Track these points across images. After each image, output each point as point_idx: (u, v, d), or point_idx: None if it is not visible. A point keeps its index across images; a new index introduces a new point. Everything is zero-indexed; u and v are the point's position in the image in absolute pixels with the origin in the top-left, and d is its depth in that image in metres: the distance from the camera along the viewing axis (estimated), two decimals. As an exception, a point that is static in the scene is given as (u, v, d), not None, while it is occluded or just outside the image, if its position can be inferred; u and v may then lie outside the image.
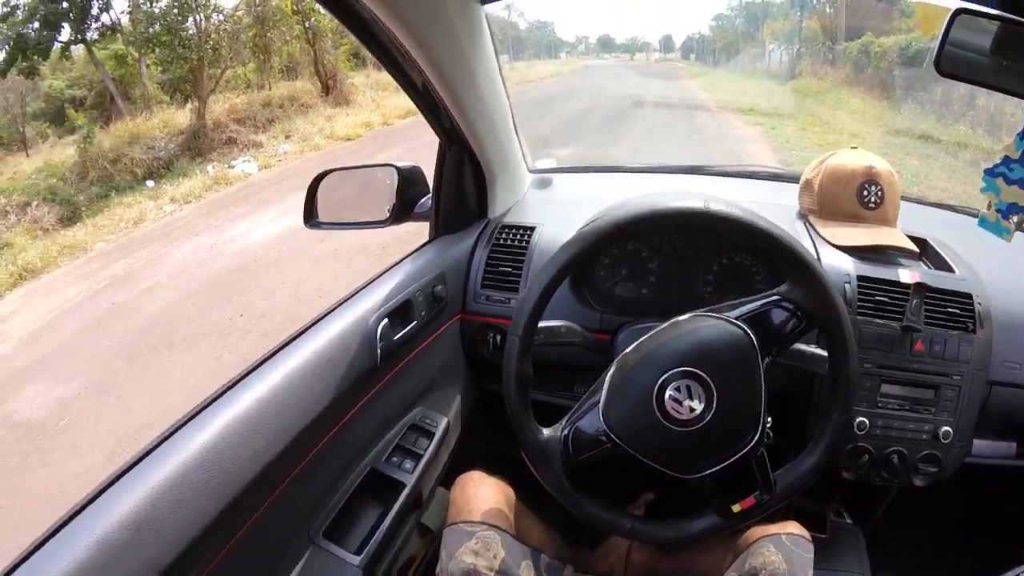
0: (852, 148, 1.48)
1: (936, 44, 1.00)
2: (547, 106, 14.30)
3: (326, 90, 14.42)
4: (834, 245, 1.38)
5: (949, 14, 0.99)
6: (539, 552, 1.14)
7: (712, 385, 0.95)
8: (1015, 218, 1.16)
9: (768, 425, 1.03)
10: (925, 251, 1.48)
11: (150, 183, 9.87)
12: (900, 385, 1.29)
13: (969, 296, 1.31)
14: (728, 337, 0.99)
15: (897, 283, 1.30)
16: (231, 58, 12.83)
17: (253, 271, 5.73)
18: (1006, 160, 1.13)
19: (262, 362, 1.00)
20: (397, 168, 1.38)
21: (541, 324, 1.08)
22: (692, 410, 0.95)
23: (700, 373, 0.95)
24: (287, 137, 11.93)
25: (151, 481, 0.77)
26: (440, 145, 1.37)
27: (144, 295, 5.63)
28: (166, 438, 0.84)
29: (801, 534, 1.17)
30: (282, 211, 7.21)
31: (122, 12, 12.17)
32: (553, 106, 14.36)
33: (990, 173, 1.15)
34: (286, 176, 9.34)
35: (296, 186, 5.62)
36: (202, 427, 0.86)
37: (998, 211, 1.17)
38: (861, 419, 1.27)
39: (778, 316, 1.03)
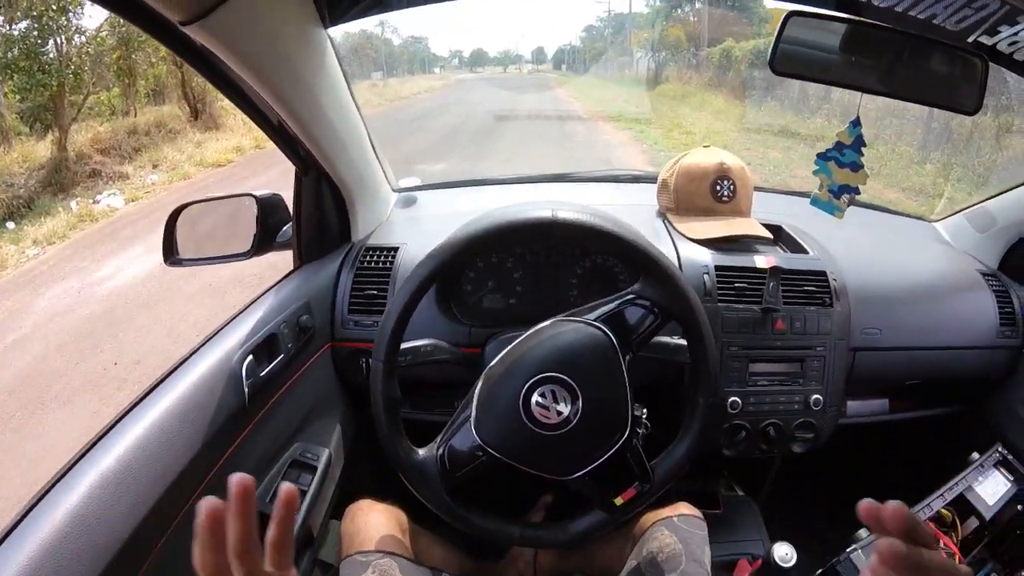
0: (705, 147, 1.56)
1: (771, 46, 1.10)
2: (421, 121, 14.36)
3: (195, 114, 13.84)
4: (691, 239, 1.45)
5: (782, 17, 1.07)
6: (441, 572, 1.14)
7: (576, 387, 0.98)
8: (845, 197, 1.28)
9: (644, 416, 1.09)
10: (780, 236, 1.59)
11: (10, 225, 8.99)
12: (767, 363, 1.37)
13: (823, 273, 1.42)
14: (587, 339, 1.02)
15: (754, 269, 1.39)
16: (94, 83, 11.97)
17: (125, 314, 5.39)
18: (839, 145, 1.25)
19: (124, 415, 0.94)
20: (256, 197, 1.35)
21: (406, 345, 1.10)
22: (559, 413, 0.98)
23: (563, 377, 0.98)
24: (155, 167, 11.30)
25: (17, 557, 0.71)
26: (296, 172, 1.34)
27: (9, 351, 5.17)
28: (32, 507, 0.78)
29: (692, 514, 1.23)
30: (151, 247, 6.80)
31: None
32: (428, 121, 14.44)
33: (823, 157, 1.27)
34: (155, 209, 8.84)
35: (165, 219, 5.35)
36: (67, 490, 0.80)
37: (830, 191, 1.29)
38: (734, 399, 1.35)
39: (634, 313, 1.07)
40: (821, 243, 1.54)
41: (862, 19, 1.10)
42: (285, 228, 1.41)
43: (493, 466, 1.01)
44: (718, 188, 1.48)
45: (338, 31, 1.15)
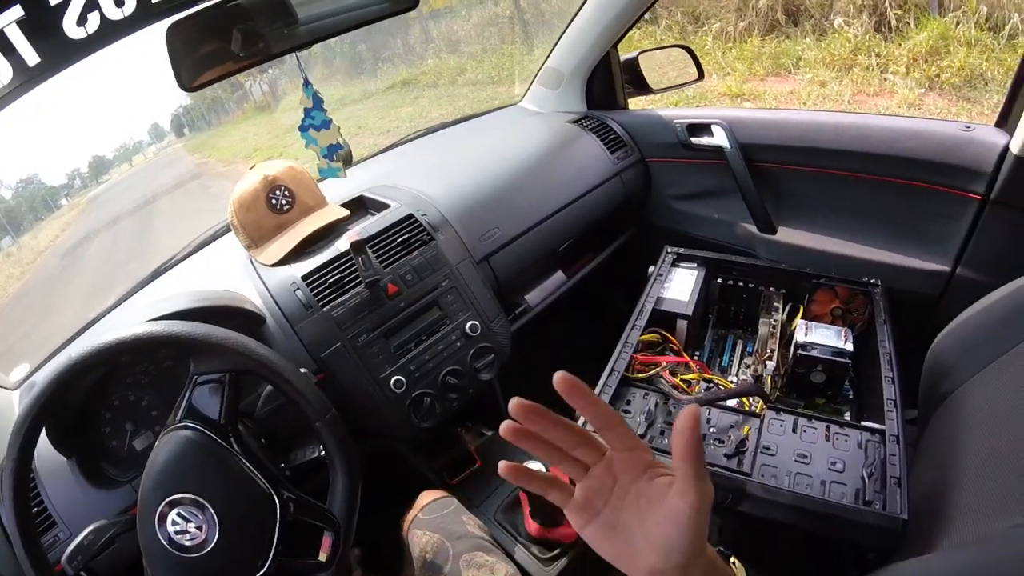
0: (250, 168, 1.47)
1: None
2: (75, 266, 13.00)
3: None
4: (271, 265, 1.37)
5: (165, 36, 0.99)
6: None
7: (198, 496, 0.91)
8: (338, 154, 1.28)
9: (320, 453, 1.06)
10: (366, 205, 1.57)
11: None
12: (403, 328, 1.34)
13: (410, 216, 1.41)
14: (180, 445, 0.95)
15: (338, 256, 1.34)
16: None
17: None
18: (307, 111, 1.24)
19: None
20: None
21: (70, 548, 0.98)
22: (200, 528, 0.91)
23: (180, 496, 0.91)
24: None
25: None
26: None
27: None
28: None
29: (433, 498, 1.26)
30: None
31: None
32: (79, 258, 13.13)
33: (303, 129, 1.26)
34: None
35: None
36: None
37: (324, 157, 1.29)
38: (395, 378, 1.30)
39: (205, 394, 0.99)
40: (410, 187, 1.52)
41: None
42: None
43: None
44: (274, 201, 1.39)
45: None
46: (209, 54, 1.03)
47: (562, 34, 1.80)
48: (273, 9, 1.03)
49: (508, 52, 9.36)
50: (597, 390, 1.14)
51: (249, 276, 1.39)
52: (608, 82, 1.88)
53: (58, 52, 0.87)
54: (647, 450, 0.57)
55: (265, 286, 1.33)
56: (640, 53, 1.87)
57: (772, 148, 1.50)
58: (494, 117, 2.09)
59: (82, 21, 0.85)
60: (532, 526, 1.23)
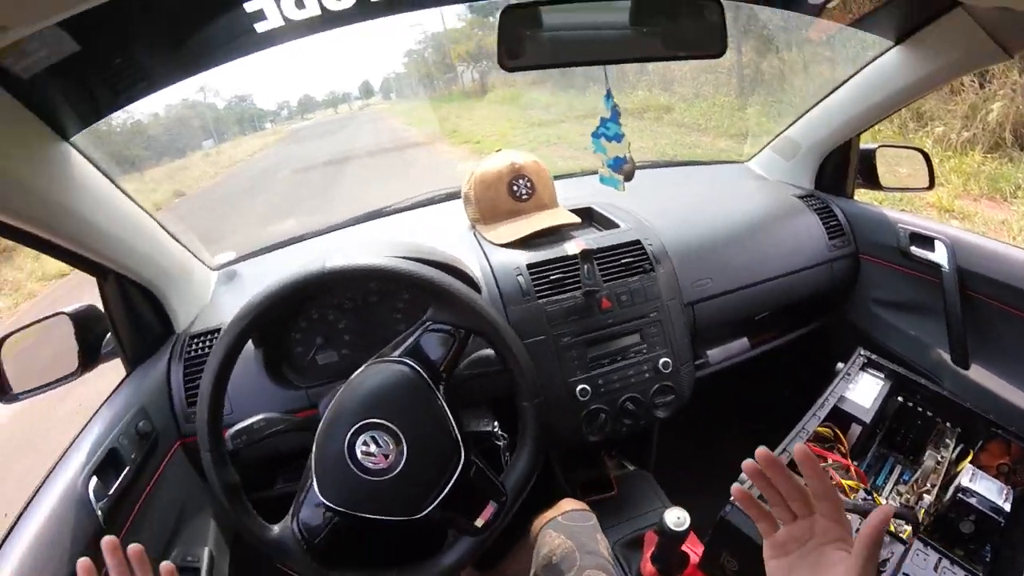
0: (496, 151, 1.60)
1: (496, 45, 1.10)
2: (263, 181, 13.92)
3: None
4: (500, 245, 1.48)
5: (499, 13, 1.08)
6: None
7: (395, 427, 0.99)
8: (623, 168, 1.32)
9: (496, 428, 1.13)
10: (592, 217, 1.65)
11: None
12: (604, 342, 1.40)
13: (638, 242, 1.47)
14: (394, 377, 1.03)
15: (565, 257, 1.42)
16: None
17: (2, 461, 4.94)
18: (603, 121, 1.29)
19: None
20: (68, 314, 1.27)
21: (239, 426, 1.08)
22: (387, 456, 0.98)
23: (379, 421, 0.99)
24: (-3, 293, 10.46)
25: None
26: (97, 281, 1.28)
27: None
28: None
29: (576, 508, 1.25)
30: (6, 382, 6.27)
31: None
32: (268, 180, 14.04)
33: (595, 135, 1.31)
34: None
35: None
36: None
37: (609, 167, 1.33)
38: (582, 386, 1.37)
39: (434, 340, 1.08)
40: (636, 213, 1.59)
41: None
42: (107, 338, 1.34)
43: (349, 523, 1.01)
44: (515, 188, 1.52)
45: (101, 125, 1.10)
46: (535, 43, 1.10)
47: (810, 108, 1.80)
48: (606, 17, 1.11)
49: (719, 103, 9.21)
50: None
51: (470, 247, 1.50)
52: (841, 167, 1.85)
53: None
54: (847, 528, 0.69)
55: (488, 261, 1.44)
56: (879, 147, 1.83)
57: (991, 282, 1.43)
58: (720, 170, 2.12)
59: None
60: (648, 568, 1.26)
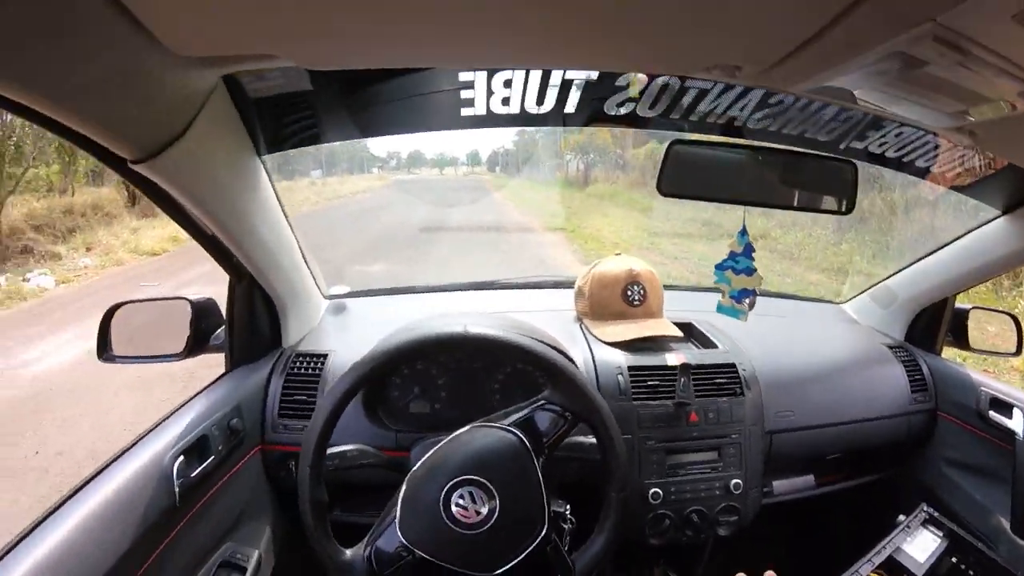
0: (616, 255, 1.68)
1: (658, 171, 1.20)
2: (358, 223, 14.36)
3: (132, 200, 13.60)
4: (606, 343, 1.55)
5: (666, 145, 1.18)
6: None
7: (492, 488, 1.04)
8: (748, 300, 1.38)
9: (568, 512, 1.16)
10: (691, 333, 1.70)
11: None
12: (685, 453, 1.45)
13: (733, 365, 1.52)
14: (501, 443, 1.09)
15: (665, 367, 1.48)
16: (34, 157, 11.80)
17: (49, 401, 5.14)
18: (732, 255, 1.36)
19: (55, 509, 0.95)
20: (190, 301, 1.39)
21: (333, 450, 1.14)
22: (479, 513, 1.03)
23: (480, 479, 1.04)
24: (88, 249, 11.05)
25: None
26: (230, 280, 1.39)
27: (-77, 428, 4.88)
28: None
29: None
30: (80, 333, 6.61)
31: None
32: (365, 222, 14.47)
33: (720, 267, 1.38)
34: (86, 294, 8.59)
35: (96, 305, 5.13)
36: None
37: (732, 297, 1.39)
38: (655, 490, 1.41)
39: (545, 418, 1.14)
40: (731, 335, 1.64)
41: (741, 140, 1.24)
42: (218, 331, 1.44)
43: (418, 565, 1.05)
44: (629, 293, 1.60)
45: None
46: (691, 175, 1.21)
47: (913, 263, 1.82)
48: (758, 167, 1.20)
49: (815, 235, 9.17)
50: None
51: (576, 337, 1.58)
52: (934, 323, 1.87)
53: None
54: None
55: (592, 355, 1.51)
56: (973, 308, 1.86)
57: None
58: (815, 307, 2.15)
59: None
60: None
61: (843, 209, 1.25)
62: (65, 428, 4.68)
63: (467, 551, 1.04)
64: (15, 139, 11.04)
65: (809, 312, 2.13)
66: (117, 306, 1.42)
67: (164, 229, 12.27)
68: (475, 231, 12.82)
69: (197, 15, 0.66)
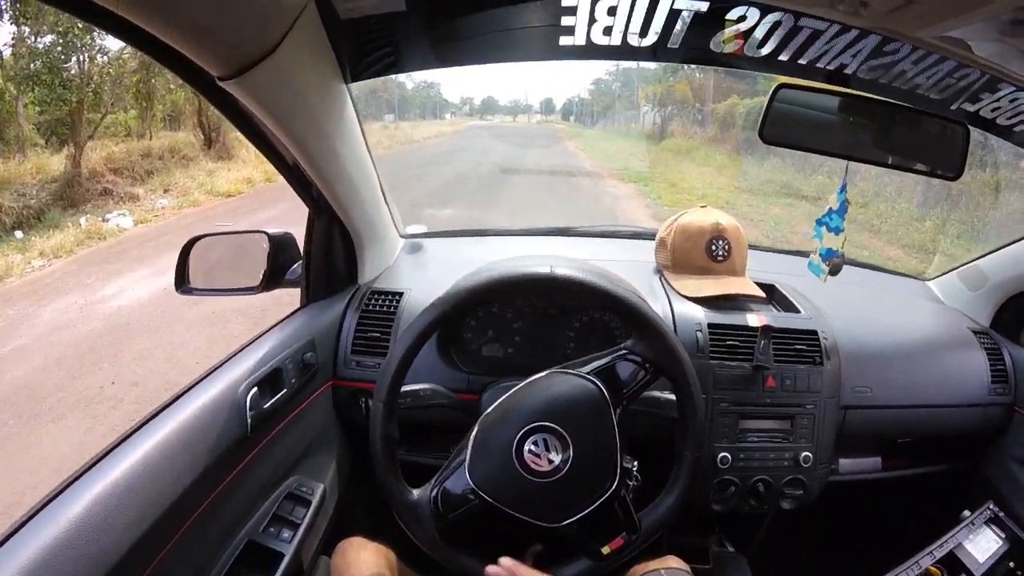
0: (701, 207, 1.61)
1: (761, 116, 1.15)
2: (431, 166, 14.43)
3: (208, 143, 13.98)
4: (686, 297, 1.49)
5: (772, 89, 1.13)
6: None
7: (567, 437, 1.02)
8: (830, 261, 1.33)
9: (635, 468, 1.12)
10: (773, 295, 1.63)
11: (19, 234, 9.01)
12: (757, 419, 1.40)
13: (814, 333, 1.45)
14: (580, 391, 1.06)
15: (746, 327, 1.42)
16: (112, 103, 12.10)
17: (126, 334, 5.39)
18: (830, 211, 1.30)
19: (130, 434, 0.98)
20: (268, 235, 1.39)
21: (405, 388, 1.13)
22: (551, 462, 1.01)
23: (555, 427, 1.02)
24: (166, 191, 11.40)
25: (16, 559, 0.73)
26: (309, 214, 1.39)
27: (9, 358, 5.17)
28: (30, 517, 0.81)
29: (680, 567, 1.23)
30: (157, 270, 6.86)
31: (4, 44, 11.07)
32: (437, 167, 14.52)
33: (818, 222, 1.32)
34: (163, 233, 8.90)
35: (173, 244, 5.34)
36: (68, 502, 0.83)
37: (820, 255, 1.34)
38: (724, 454, 1.37)
39: (626, 368, 1.11)
40: (814, 302, 1.57)
41: (849, 90, 1.16)
42: (295, 266, 1.45)
43: (484, 510, 1.04)
44: (713, 248, 1.53)
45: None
46: (801, 127, 1.16)
47: (1008, 244, 1.72)
48: (865, 120, 1.15)
49: (898, 209, 8.77)
50: None
51: (655, 290, 1.54)
52: (1022, 313, 1.76)
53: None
54: None
55: (671, 308, 1.46)
56: None
57: None
58: (900, 282, 2.05)
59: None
60: None
61: (952, 173, 1.17)
62: (140, 360, 4.89)
63: (535, 500, 1.03)
64: (93, 85, 11.30)
65: (894, 286, 2.03)
66: (196, 239, 1.43)
67: (239, 171, 12.62)
68: (546, 180, 12.66)
69: None
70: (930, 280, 2.01)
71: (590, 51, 1.09)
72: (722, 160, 12.81)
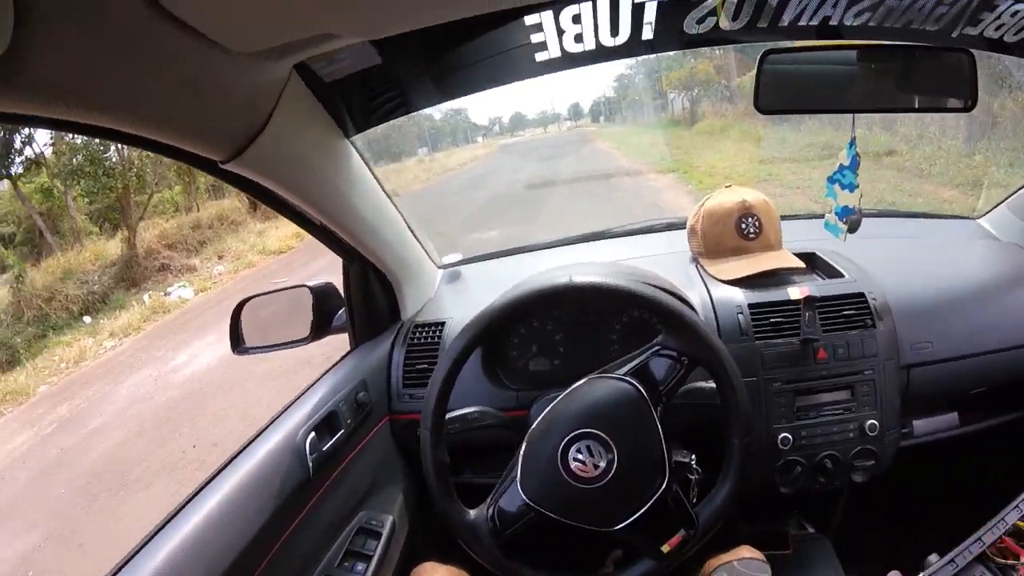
0: (727, 187, 1.59)
1: (754, 86, 1.13)
2: (470, 191, 14.56)
3: (254, 206, 14.38)
4: (723, 280, 1.47)
5: (759, 57, 1.11)
6: None
7: (610, 441, 1.03)
8: (847, 219, 1.28)
9: (693, 461, 1.14)
10: (815, 264, 1.58)
11: (87, 319, 9.66)
12: (814, 394, 1.36)
13: (861, 295, 1.40)
14: (617, 393, 1.07)
15: (788, 301, 1.39)
16: (156, 183, 12.72)
17: (200, 399, 5.62)
18: (840, 168, 1.26)
19: (199, 490, 1.04)
20: (310, 288, 1.45)
21: (454, 413, 1.17)
22: (596, 467, 1.02)
23: (597, 432, 1.03)
24: (220, 257, 11.89)
25: None
26: (343, 262, 1.44)
27: (93, 436, 5.48)
28: (120, 568, 0.87)
29: (754, 557, 1.22)
30: (222, 334, 6.99)
31: (45, 145, 11.89)
32: (476, 191, 14.66)
33: (831, 180, 1.29)
34: (223, 298, 9.24)
35: (233, 307, 5.53)
36: (142, 563, 0.88)
37: (836, 214, 1.30)
38: (784, 435, 1.33)
39: (661, 364, 1.11)
40: (859, 263, 1.52)
41: (840, 42, 1.13)
42: (339, 313, 1.51)
43: (541, 522, 1.06)
44: (743, 226, 1.50)
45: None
46: (789, 87, 1.14)
47: None
48: (863, 69, 1.12)
49: (946, 148, 8.40)
50: (952, 554, 1.05)
51: (692, 279, 1.51)
52: None
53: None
54: None
55: (709, 295, 1.44)
56: None
57: None
58: (949, 225, 1.96)
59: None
60: None
61: (965, 105, 1.13)
62: (217, 421, 5.09)
63: (586, 506, 1.04)
64: (135, 169, 11.86)
65: (942, 231, 1.94)
66: (244, 301, 1.50)
67: (287, 228, 12.86)
68: (585, 185, 12.58)
69: (244, 12, 0.67)
70: (980, 218, 1.90)
71: (569, 61, 1.10)
72: (759, 132, 12.53)
